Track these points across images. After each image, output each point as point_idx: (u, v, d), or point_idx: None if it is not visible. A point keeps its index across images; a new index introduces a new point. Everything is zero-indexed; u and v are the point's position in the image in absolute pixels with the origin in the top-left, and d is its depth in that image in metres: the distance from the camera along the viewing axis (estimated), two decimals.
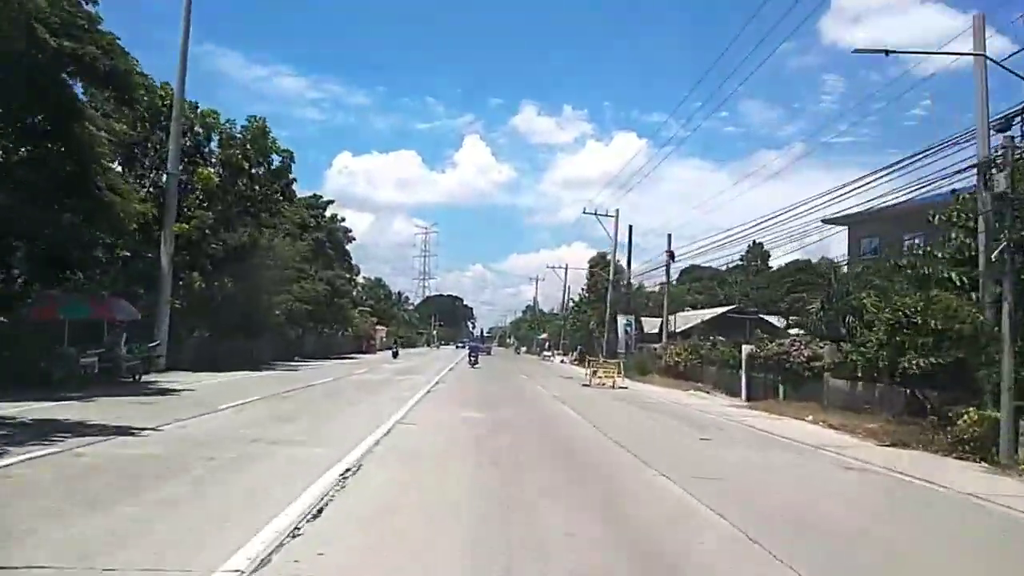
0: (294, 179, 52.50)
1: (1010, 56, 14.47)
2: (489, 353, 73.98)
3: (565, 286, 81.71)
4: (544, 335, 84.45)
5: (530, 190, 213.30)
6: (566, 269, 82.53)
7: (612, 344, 50.23)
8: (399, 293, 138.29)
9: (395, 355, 51.69)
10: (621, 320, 41.32)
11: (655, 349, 39.23)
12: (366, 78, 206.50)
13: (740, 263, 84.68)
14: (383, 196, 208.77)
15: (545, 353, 71.44)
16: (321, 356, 51.59)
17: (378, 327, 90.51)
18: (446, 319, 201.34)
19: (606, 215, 51.17)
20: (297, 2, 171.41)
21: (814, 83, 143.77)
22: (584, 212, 51.95)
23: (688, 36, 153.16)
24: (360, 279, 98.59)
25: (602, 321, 55.20)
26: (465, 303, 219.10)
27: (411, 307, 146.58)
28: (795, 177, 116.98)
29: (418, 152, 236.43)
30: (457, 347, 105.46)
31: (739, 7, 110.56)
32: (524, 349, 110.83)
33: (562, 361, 64.60)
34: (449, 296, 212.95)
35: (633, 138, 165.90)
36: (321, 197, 52.36)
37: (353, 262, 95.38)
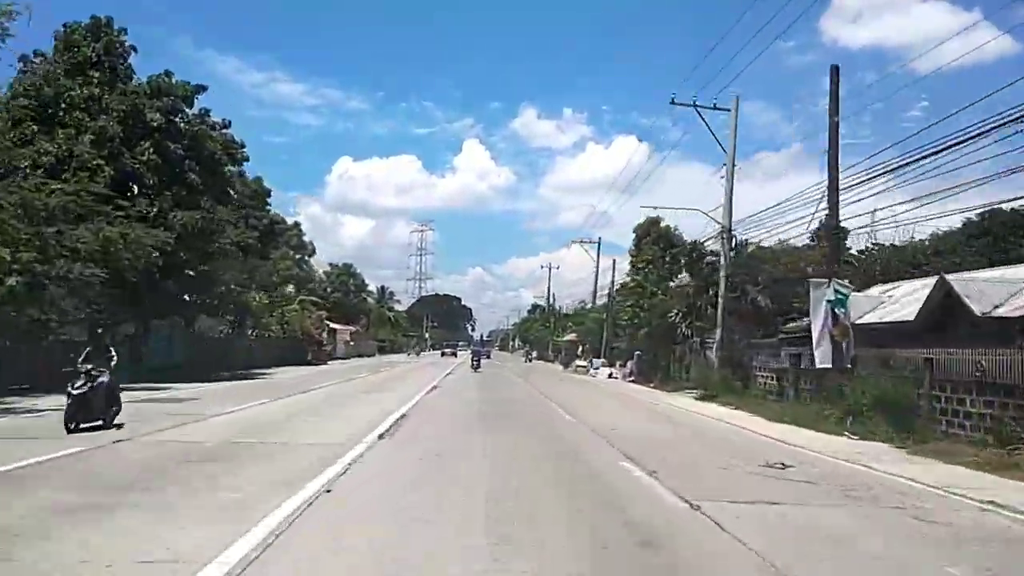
0: (128, 45, 28.73)
1: None
2: (488, 356, 64.99)
3: (598, 267, 57.56)
4: (571, 336, 60.16)
5: (530, 194, 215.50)
6: (599, 244, 58.48)
7: (734, 350, 26.23)
8: (383, 287, 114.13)
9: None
10: (823, 292, 16.74)
11: None
12: (364, 83, 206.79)
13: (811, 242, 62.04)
14: (383, 201, 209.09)
15: (579, 364, 47.07)
16: (192, 376, 27.69)
17: (338, 326, 66.22)
18: (442, 321, 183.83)
19: (713, 108, 27.22)
20: (293, 7, 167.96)
21: (813, 83, 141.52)
22: (673, 103, 27.84)
23: (688, 37, 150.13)
24: (321, 265, 74.06)
25: (692, 310, 31.14)
26: (463, 303, 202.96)
27: (399, 302, 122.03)
28: (794, 178, 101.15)
29: (418, 156, 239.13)
30: (444, 354, 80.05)
31: (738, 6, 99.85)
32: (535, 355, 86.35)
33: (611, 375, 40.43)
34: (446, 296, 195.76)
35: (633, 141, 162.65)
36: (187, 83, 28.20)
37: (306, 239, 70.81)
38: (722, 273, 26.97)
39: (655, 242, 54.91)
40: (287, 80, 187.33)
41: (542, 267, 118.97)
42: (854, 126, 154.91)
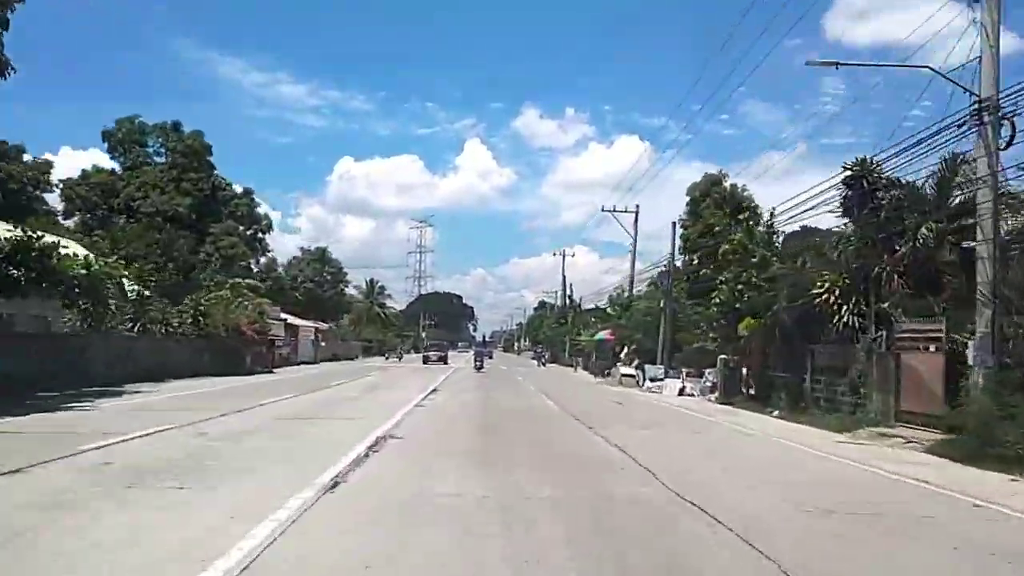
0: None
1: None
2: (491, 357, 64.73)
3: (635, 242, 43.55)
4: (604, 334, 45.76)
5: (531, 194, 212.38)
6: (636, 214, 44.42)
7: None
8: (371, 280, 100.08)
9: None
10: None
11: None
12: (366, 84, 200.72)
13: None
14: (385, 201, 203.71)
15: (625, 373, 32.36)
16: None
17: (304, 322, 52.33)
18: (442, 320, 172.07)
19: None
20: (295, 8, 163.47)
21: (816, 83, 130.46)
22: None
23: (690, 37, 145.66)
24: (282, 247, 57.57)
25: (862, 282, 17.38)
26: (464, 302, 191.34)
27: (389, 297, 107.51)
28: (798, 178, 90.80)
29: (420, 156, 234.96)
30: (427, 359, 54.42)
31: (740, 7, 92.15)
32: (548, 357, 72.16)
33: (684, 392, 26.57)
34: (447, 294, 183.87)
35: (636, 141, 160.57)
36: None
37: (261, 211, 54.43)
38: (982, 201, 13.06)
39: (719, 205, 41.26)
40: (290, 81, 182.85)
41: (554, 254, 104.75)
42: (859, 126, 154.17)
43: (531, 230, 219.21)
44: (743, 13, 65.73)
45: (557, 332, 79.13)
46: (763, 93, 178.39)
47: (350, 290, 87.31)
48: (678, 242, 37.86)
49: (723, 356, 25.86)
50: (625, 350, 36.23)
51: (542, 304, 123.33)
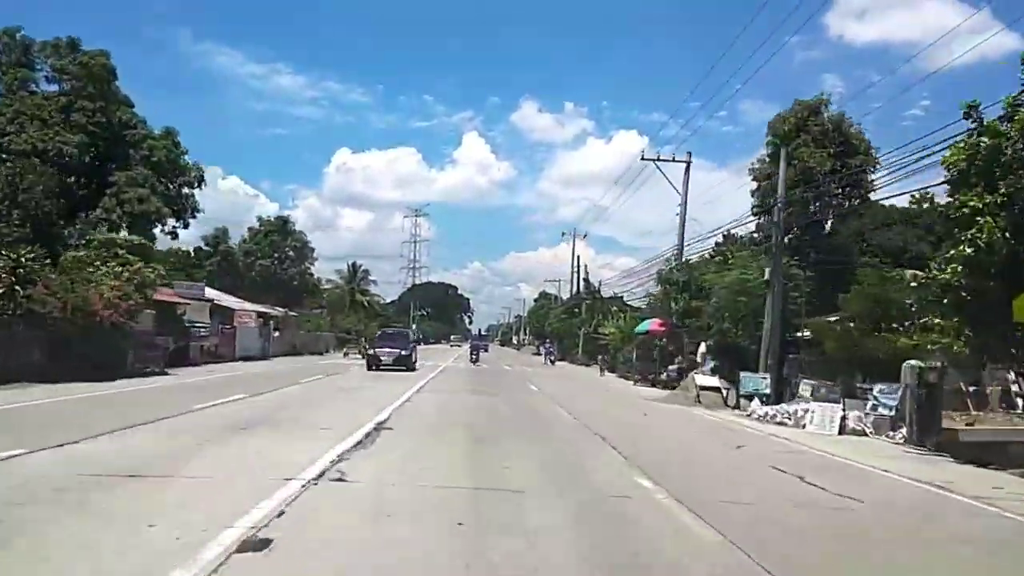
0: None
1: None
2: (487, 350, 65.39)
3: (685, 201, 31.55)
4: (652, 324, 33.17)
5: (529, 188, 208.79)
6: (688, 166, 32.48)
7: None
8: (354, 264, 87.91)
9: None
10: None
11: None
12: (364, 76, 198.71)
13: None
14: (382, 194, 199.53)
15: (704, 384, 20.21)
16: None
17: (243, 306, 40.23)
18: (436, 312, 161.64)
19: None
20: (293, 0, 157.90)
21: (816, 80, 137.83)
22: None
23: (691, 34, 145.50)
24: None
25: None
26: (460, 292, 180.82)
27: (374, 283, 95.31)
28: None
29: (417, 149, 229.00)
30: (375, 363, 30.19)
31: (742, 4, 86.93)
32: (553, 356, 59.77)
33: (846, 426, 14.88)
34: (441, 284, 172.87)
35: (634, 136, 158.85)
36: None
37: (189, 159, 39.02)
38: None
39: (819, 143, 29.34)
40: (288, 72, 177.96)
41: (563, 234, 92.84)
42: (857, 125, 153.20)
43: (529, 224, 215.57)
44: (752, 16, 56.47)
45: (567, 324, 67.30)
46: (761, 91, 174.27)
47: (330, 275, 75.75)
48: (746, 203, 26.06)
49: (913, 363, 14.08)
50: (701, 348, 24.00)
51: (544, 295, 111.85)
